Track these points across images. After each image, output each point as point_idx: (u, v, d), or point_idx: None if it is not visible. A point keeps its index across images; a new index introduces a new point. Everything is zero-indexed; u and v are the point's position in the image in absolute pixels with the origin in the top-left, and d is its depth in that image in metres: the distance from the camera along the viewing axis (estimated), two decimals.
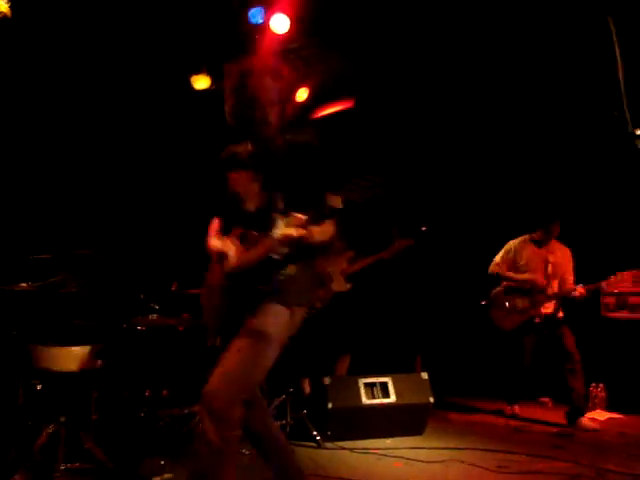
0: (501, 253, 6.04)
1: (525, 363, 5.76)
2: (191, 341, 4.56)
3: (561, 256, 5.81)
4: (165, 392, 4.39)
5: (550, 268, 5.74)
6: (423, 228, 5.77)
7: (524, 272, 5.83)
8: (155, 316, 4.46)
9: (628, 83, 2.62)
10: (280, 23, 5.66)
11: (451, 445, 4.76)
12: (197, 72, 6.11)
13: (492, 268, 6.04)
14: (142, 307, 4.53)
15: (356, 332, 5.80)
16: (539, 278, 5.72)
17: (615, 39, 2.57)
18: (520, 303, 5.78)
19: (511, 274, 5.89)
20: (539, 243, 5.86)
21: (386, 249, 5.67)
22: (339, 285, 5.62)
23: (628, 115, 2.59)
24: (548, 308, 5.69)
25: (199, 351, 4.53)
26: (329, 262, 5.70)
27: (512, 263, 5.93)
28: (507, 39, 5.74)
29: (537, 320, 5.69)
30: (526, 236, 5.96)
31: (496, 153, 6.98)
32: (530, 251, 5.87)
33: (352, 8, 5.56)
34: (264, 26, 5.72)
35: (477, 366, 6.87)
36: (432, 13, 5.64)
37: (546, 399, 6.54)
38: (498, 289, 5.96)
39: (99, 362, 3.92)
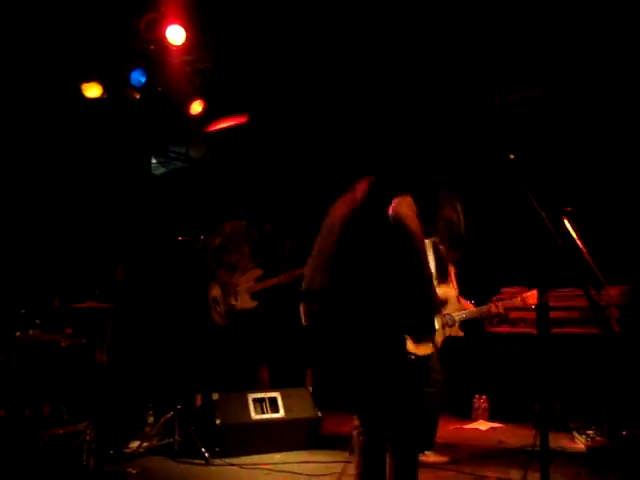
0: None
1: None
2: (73, 357, 4.41)
3: None
4: (46, 410, 4.22)
5: None
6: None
7: None
8: (36, 331, 4.30)
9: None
10: (176, 34, 5.62)
11: (340, 458, 4.79)
12: (88, 80, 5.96)
13: None
14: (23, 322, 4.35)
15: (267, 345, 5.78)
16: None
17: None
18: None
19: None
20: None
21: (282, 273, 5.71)
22: (244, 303, 5.67)
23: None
24: None
25: (82, 368, 4.38)
26: (236, 279, 5.71)
27: None
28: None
29: None
30: None
31: None
32: None
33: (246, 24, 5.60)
34: (160, 37, 5.66)
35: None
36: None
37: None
38: None
39: None
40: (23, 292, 4.68)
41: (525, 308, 5.21)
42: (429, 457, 4.66)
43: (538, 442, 2.68)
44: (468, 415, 6.31)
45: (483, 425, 6.11)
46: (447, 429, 5.80)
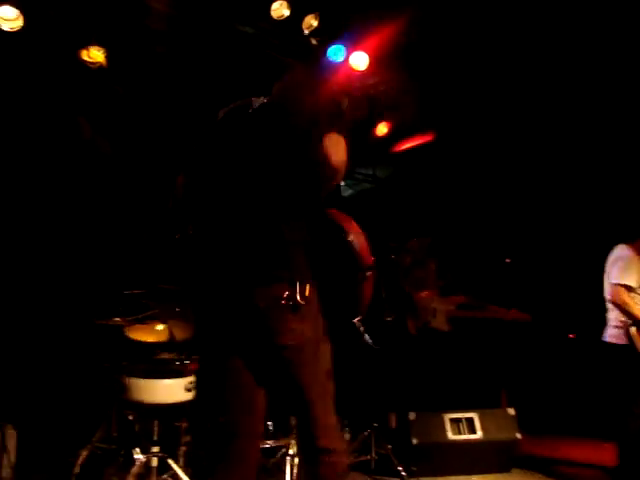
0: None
1: None
2: None
3: None
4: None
5: None
6: (507, 260, 5.72)
7: None
8: None
9: None
10: (359, 60, 5.77)
11: None
12: None
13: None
14: None
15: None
16: None
17: None
18: None
19: None
20: None
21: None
22: (440, 324, 5.64)
23: None
24: None
25: None
26: (436, 299, 5.71)
27: None
28: None
29: None
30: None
31: None
32: None
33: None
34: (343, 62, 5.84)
35: (565, 403, 6.64)
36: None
37: None
38: None
39: (190, 394, 4.02)
40: None
41: None
42: None
43: None
44: None
45: None
46: None
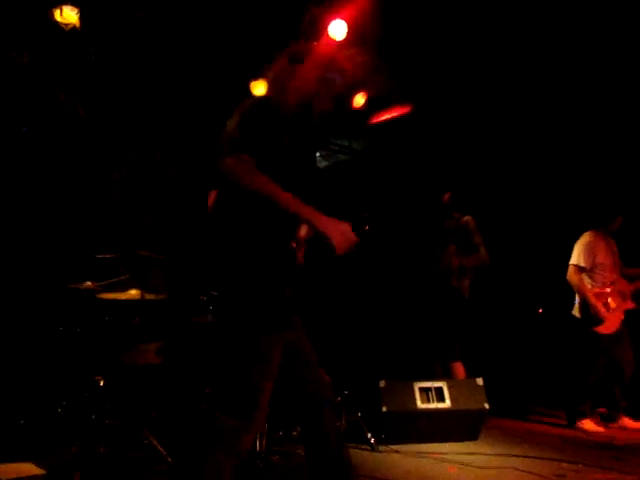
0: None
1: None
2: None
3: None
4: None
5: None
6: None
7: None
8: (214, 316, 4.56)
9: None
10: (338, 29, 5.73)
11: (505, 452, 4.70)
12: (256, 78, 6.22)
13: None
14: (201, 308, 4.64)
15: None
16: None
17: None
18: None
19: None
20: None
21: None
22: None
23: None
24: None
25: None
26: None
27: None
28: None
29: None
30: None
31: None
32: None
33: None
34: (322, 33, 5.79)
35: (532, 373, 6.77)
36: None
37: (602, 409, 6.36)
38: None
39: (160, 358, 4.03)
40: (203, 281, 4.98)
41: None
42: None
43: None
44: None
45: (630, 424, 5.72)
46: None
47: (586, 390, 5.66)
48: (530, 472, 4.18)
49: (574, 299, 5.86)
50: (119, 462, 3.89)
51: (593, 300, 5.61)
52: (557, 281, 6.00)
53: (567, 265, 5.81)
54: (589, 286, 5.72)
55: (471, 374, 5.42)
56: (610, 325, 5.62)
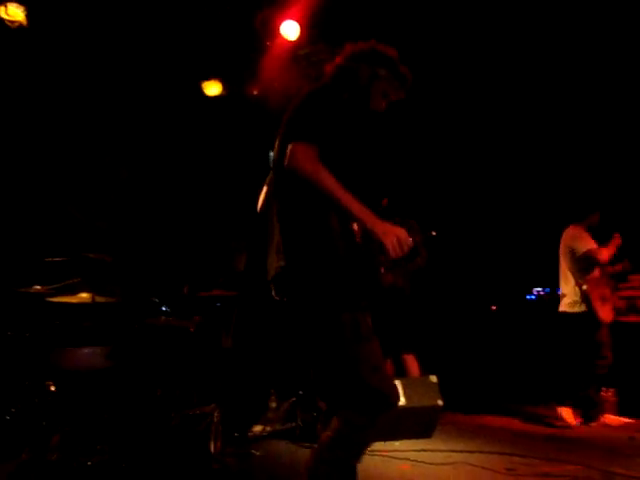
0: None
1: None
2: (201, 342, 4.62)
3: None
4: (177, 393, 4.44)
5: None
6: (433, 233, 5.80)
7: None
8: (167, 318, 4.53)
9: None
10: (291, 29, 5.74)
11: (459, 448, 4.77)
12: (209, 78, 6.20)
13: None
14: (154, 309, 4.61)
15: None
16: None
17: None
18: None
19: None
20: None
21: None
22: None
23: None
24: None
25: (209, 352, 4.58)
26: None
27: None
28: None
29: None
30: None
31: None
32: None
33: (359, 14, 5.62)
34: (274, 32, 5.80)
35: (483, 370, 6.89)
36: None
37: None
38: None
39: (110, 362, 3.97)
40: (155, 282, 4.95)
41: None
42: None
43: None
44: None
45: (611, 420, 5.86)
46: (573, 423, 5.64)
47: (593, 381, 5.73)
48: (482, 467, 4.25)
49: (559, 295, 5.99)
50: (71, 469, 3.82)
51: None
52: (509, 279, 6.12)
53: (517, 262, 5.90)
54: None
55: (426, 371, 5.48)
56: (610, 314, 5.77)
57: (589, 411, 5.71)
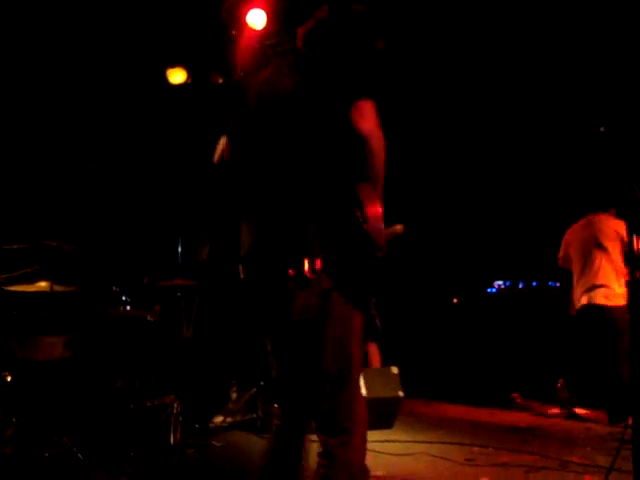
0: None
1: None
2: (161, 332, 4.57)
3: None
4: (136, 383, 4.39)
5: None
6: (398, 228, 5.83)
7: None
8: (127, 308, 4.47)
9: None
10: (257, 19, 5.68)
11: (420, 439, 4.82)
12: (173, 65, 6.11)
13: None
14: (114, 299, 4.54)
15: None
16: None
17: None
18: None
19: None
20: None
21: None
22: None
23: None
24: None
25: (169, 343, 4.54)
26: None
27: None
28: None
29: None
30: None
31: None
32: None
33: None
34: (241, 22, 5.73)
35: (444, 361, 6.97)
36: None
37: (515, 394, 6.62)
38: None
39: (69, 352, 3.91)
40: (115, 272, 4.87)
41: None
42: None
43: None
44: (550, 400, 6.17)
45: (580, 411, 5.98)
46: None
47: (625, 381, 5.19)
48: (442, 457, 4.30)
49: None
50: (27, 462, 3.75)
51: None
52: (471, 272, 6.17)
53: (479, 255, 5.86)
54: None
55: (388, 361, 5.51)
56: None
57: (617, 411, 5.34)
